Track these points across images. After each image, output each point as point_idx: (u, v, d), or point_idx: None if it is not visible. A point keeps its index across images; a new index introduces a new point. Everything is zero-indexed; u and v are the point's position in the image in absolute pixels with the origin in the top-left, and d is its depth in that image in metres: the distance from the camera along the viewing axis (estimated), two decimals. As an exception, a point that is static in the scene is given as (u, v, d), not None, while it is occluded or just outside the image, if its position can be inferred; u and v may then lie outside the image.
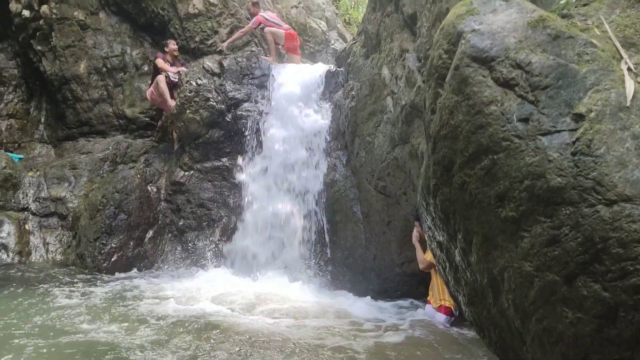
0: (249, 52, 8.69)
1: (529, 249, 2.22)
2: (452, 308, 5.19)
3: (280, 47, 9.33)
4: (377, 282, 6.59)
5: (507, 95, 2.28)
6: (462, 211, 2.58)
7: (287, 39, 9.16)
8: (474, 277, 2.68)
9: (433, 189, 2.76)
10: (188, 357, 3.90)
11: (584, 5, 2.74)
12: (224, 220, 8.22)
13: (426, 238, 3.29)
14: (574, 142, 2.10)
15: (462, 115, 2.40)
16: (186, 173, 8.39)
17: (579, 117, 2.14)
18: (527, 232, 2.23)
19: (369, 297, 6.32)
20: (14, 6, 9.14)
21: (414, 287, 6.25)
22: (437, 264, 3.21)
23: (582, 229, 2.03)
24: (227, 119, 8.17)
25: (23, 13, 9.10)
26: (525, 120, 2.22)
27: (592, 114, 2.12)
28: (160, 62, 8.51)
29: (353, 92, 7.54)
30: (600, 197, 2.00)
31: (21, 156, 9.06)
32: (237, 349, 4.08)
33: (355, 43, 8.48)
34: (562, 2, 2.99)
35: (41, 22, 9.04)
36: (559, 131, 2.15)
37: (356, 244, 6.97)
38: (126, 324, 4.72)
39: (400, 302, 6.14)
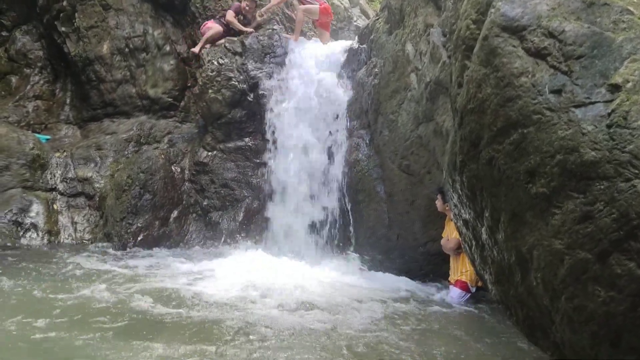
0: (270, 31, 8.59)
1: (560, 226, 2.15)
2: (469, 283, 5.13)
3: (312, 22, 9.29)
4: (400, 261, 6.55)
5: (538, 66, 2.19)
6: (490, 188, 2.51)
7: (322, 13, 9.04)
8: (501, 255, 2.61)
9: (460, 165, 2.69)
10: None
11: (621, -30, 2.61)
12: (247, 200, 8.25)
13: (451, 216, 3.22)
14: (609, 114, 2.01)
15: (491, 87, 2.31)
16: (209, 153, 8.42)
17: (614, 88, 2.04)
18: (558, 209, 2.16)
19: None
20: (37, -12, 9.20)
21: (438, 266, 6.18)
22: (462, 242, 3.15)
23: (617, 205, 1.95)
24: (249, 99, 8.14)
25: (46, -6, 9.16)
26: (557, 91, 2.13)
27: (629, 85, 2.01)
28: (230, 15, 8.47)
29: (376, 70, 7.42)
30: (637, 171, 1.91)
31: (48, 137, 9.19)
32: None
33: (378, 19, 8.31)
34: (597, -32, 2.85)
35: (64, 3, 9.08)
36: (593, 103, 2.06)
37: (379, 223, 6.92)
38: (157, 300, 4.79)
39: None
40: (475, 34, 2.46)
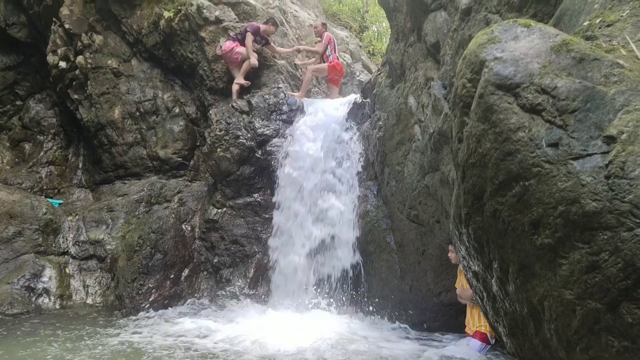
0: (275, 89, 8.86)
1: (568, 276, 2.16)
2: (488, 335, 5.03)
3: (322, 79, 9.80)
4: (414, 313, 6.47)
5: (534, 121, 2.26)
6: (496, 239, 2.53)
7: (331, 70, 9.48)
8: (513, 307, 2.61)
9: (465, 218, 2.73)
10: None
11: (608, 25, 2.72)
12: (257, 255, 8.26)
13: (461, 268, 3.23)
14: (606, 165, 2.06)
15: (490, 142, 2.38)
16: (219, 210, 8.50)
17: (610, 140, 2.10)
18: (565, 259, 2.18)
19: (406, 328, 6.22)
20: (51, 58, 9.59)
21: (453, 317, 6.09)
22: (474, 294, 3.14)
23: (622, 254, 1.97)
24: (257, 155, 8.29)
25: (60, 64, 9.54)
26: (554, 145, 2.19)
27: (624, 136, 2.07)
28: (248, 41, 8.75)
29: (380, 122, 7.58)
30: (638, 220, 1.95)
31: (61, 201, 9.35)
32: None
33: (380, 74, 8.56)
34: (585, 24, 2.97)
35: (77, 72, 9.45)
36: (590, 154, 2.12)
37: (391, 274, 6.88)
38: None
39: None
40: (472, 92, 2.56)
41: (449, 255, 5.48)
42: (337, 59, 9.82)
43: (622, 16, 2.73)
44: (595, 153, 2.10)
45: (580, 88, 2.24)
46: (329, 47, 9.81)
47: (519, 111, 2.30)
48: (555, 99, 2.24)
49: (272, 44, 9.39)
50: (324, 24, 10.08)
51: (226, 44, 8.83)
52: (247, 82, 8.78)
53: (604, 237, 2.03)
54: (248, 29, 8.88)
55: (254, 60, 8.82)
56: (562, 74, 2.29)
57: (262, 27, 9.10)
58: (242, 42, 8.86)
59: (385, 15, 9.22)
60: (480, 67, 2.48)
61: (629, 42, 2.51)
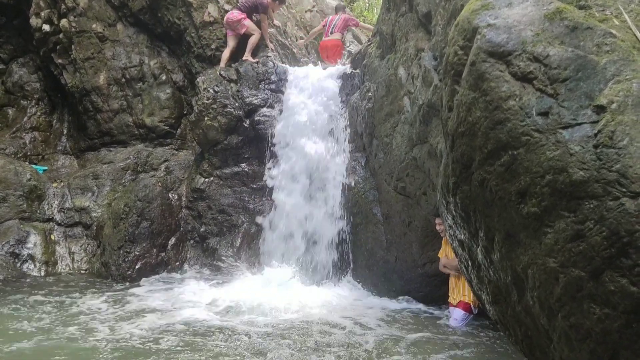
0: (264, 57, 8.72)
1: (553, 244, 2.19)
2: (472, 305, 5.12)
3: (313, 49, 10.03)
4: (399, 283, 6.55)
5: (525, 90, 2.25)
6: (483, 209, 2.55)
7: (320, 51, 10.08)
8: (497, 275, 2.64)
9: (452, 187, 2.74)
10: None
11: (602, -5, 2.70)
12: (245, 225, 8.26)
13: (447, 237, 3.26)
14: (595, 135, 2.07)
15: (480, 111, 2.37)
16: (206, 180, 8.46)
17: (600, 109, 2.10)
18: (550, 228, 2.20)
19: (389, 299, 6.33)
20: (34, 21, 9.33)
21: (437, 287, 6.18)
22: (459, 263, 3.18)
23: (607, 223, 1.99)
24: (245, 125, 8.21)
25: (43, 27, 9.29)
26: (544, 114, 2.19)
27: (614, 105, 2.08)
28: (265, 24, 8.83)
29: (369, 94, 7.52)
30: (624, 189, 1.96)
31: (45, 168, 9.23)
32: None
33: (370, 44, 8.46)
34: (579, -7, 2.94)
35: (61, 35, 9.21)
36: (580, 124, 2.12)
37: (377, 245, 6.94)
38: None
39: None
40: (463, 60, 2.53)
41: (437, 227, 5.51)
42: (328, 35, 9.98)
43: (616, -14, 2.71)
44: (585, 122, 2.11)
45: (572, 57, 2.22)
46: (324, 29, 10.19)
47: (510, 79, 2.29)
48: (547, 67, 2.23)
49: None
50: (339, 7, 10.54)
51: (233, 14, 8.67)
52: (257, 59, 8.62)
53: (589, 206, 2.04)
54: (260, 9, 8.82)
55: (270, 44, 8.92)
56: (554, 42, 2.27)
57: (270, 3, 9.00)
58: (250, 14, 8.76)
59: (377, -16, 9.10)
60: (473, 34, 2.45)
61: (622, 12, 2.50)
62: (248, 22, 8.67)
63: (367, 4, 17.38)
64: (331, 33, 10.09)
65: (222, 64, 8.63)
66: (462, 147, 2.55)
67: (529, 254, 2.33)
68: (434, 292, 6.23)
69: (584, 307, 2.16)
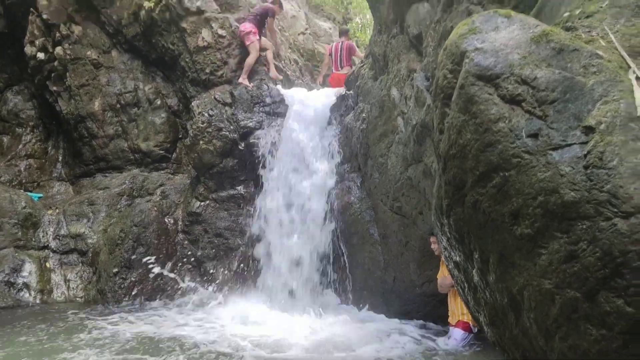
0: (258, 80, 8.79)
1: (547, 266, 2.18)
2: (471, 324, 5.08)
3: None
4: (398, 303, 6.51)
5: (514, 112, 2.27)
6: (477, 230, 2.54)
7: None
8: (494, 296, 2.63)
9: (446, 209, 2.74)
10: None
11: (588, 17, 2.74)
12: (241, 248, 8.22)
13: (443, 258, 3.25)
14: (585, 155, 2.07)
15: (470, 133, 2.38)
16: (202, 203, 8.44)
17: (589, 130, 2.11)
18: (544, 249, 2.19)
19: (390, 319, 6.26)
20: (29, 49, 9.40)
21: (436, 307, 6.14)
22: (455, 285, 3.16)
23: (600, 244, 1.99)
24: (240, 148, 8.23)
25: (38, 55, 9.35)
26: (534, 135, 2.20)
27: (602, 126, 2.09)
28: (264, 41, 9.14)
29: (363, 114, 7.57)
30: (616, 209, 1.96)
31: (40, 195, 9.21)
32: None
33: (363, 66, 8.55)
34: (565, 15, 2.98)
35: (55, 63, 9.28)
36: (569, 145, 2.13)
37: (375, 266, 6.91)
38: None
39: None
40: (453, 83, 2.55)
41: (432, 246, 5.50)
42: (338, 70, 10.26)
43: (601, 7, 2.75)
44: (574, 143, 2.12)
45: (560, 79, 2.24)
46: (331, 58, 10.45)
47: (499, 102, 2.30)
48: (535, 89, 2.25)
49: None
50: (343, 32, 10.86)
51: (245, 26, 8.90)
52: (252, 83, 8.73)
53: (582, 227, 2.04)
54: (270, 14, 9.24)
55: (274, 74, 9.13)
56: (541, 64, 2.30)
57: (271, 8, 9.38)
58: (261, 26, 9.11)
59: (368, 6, 9.25)
60: (461, 58, 2.48)
61: (608, 33, 2.53)
62: (253, 38, 8.82)
63: (360, 25, 17.57)
64: (341, 67, 10.27)
65: (245, 74, 8.76)
66: (454, 169, 2.56)
67: (524, 276, 2.32)
68: (433, 312, 6.18)
69: (580, 328, 2.15)
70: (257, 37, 8.88)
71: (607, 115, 2.13)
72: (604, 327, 2.05)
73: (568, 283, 2.13)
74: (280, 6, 9.68)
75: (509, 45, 2.38)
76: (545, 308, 2.25)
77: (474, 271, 2.74)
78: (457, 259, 2.87)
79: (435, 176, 5.31)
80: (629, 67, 2.35)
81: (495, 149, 2.29)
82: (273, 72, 9.05)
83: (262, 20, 9.15)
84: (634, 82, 2.25)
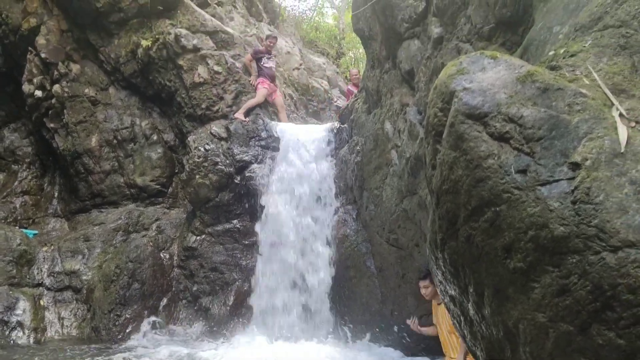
0: (254, 115, 8.91)
1: (541, 299, 2.21)
2: None
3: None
4: (397, 337, 6.47)
5: (503, 149, 2.34)
6: (471, 264, 2.58)
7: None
8: (490, 330, 2.64)
9: (440, 243, 2.78)
10: None
11: (572, 56, 2.84)
12: (237, 282, 8.19)
13: (438, 292, 3.27)
14: (572, 191, 2.13)
15: (462, 170, 2.45)
16: (198, 237, 8.45)
17: (575, 166, 2.17)
18: (536, 283, 2.23)
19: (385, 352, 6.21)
20: (27, 87, 9.53)
21: (436, 339, 6.10)
22: (452, 319, 3.18)
23: (590, 277, 2.03)
24: (236, 181, 8.30)
25: (36, 93, 9.48)
26: (523, 171, 2.26)
27: (588, 162, 2.15)
28: (247, 59, 9.51)
29: (358, 147, 7.68)
30: (604, 244, 2.01)
31: (35, 232, 9.19)
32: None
33: (357, 100, 8.71)
34: (550, 54, 3.09)
35: (53, 100, 9.39)
36: (557, 180, 2.19)
37: (372, 299, 6.90)
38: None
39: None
40: (443, 121, 2.63)
41: (422, 291, 5.35)
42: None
43: (584, 46, 2.86)
44: (562, 179, 2.18)
45: (545, 117, 2.32)
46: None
47: (488, 139, 2.38)
48: (522, 127, 2.32)
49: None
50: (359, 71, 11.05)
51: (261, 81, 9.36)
52: (247, 118, 8.91)
53: (572, 261, 2.08)
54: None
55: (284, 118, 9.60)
56: (527, 103, 2.38)
57: (263, 46, 9.83)
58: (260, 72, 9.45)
59: (361, 42, 9.46)
60: (451, 97, 2.56)
61: (591, 72, 2.63)
62: (261, 87, 9.23)
63: (353, 59, 17.90)
64: None
65: (242, 110, 8.96)
66: (447, 204, 2.61)
67: (518, 309, 2.35)
68: (432, 345, 6.14)
69: (575, 361, 2.17)
70: (265, 86, 9.19)
71: (592, 152, 2.20)
72: (598, 359, 2.08)
73: (561, 316, 2.16)
74: (272, 37, 9.93)
75: (495, 85, 2.47)
76: (541, 341, 2.27)
77: (469, 305, 2.77)
78: (453, 292, 2.90)
79: (429, 208, 5.38)
80: (612, 104, 2.43)
81: (486, 184, 2.35)
82: (284, 117, 9.46)
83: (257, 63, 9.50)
84: (617, 119, 2.33)
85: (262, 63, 9.39)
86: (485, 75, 2.50)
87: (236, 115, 8.82)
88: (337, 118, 10.10)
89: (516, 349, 2.51)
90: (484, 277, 2.51)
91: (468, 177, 2.39)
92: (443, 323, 5.10)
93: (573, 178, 2.14)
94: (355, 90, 10.43)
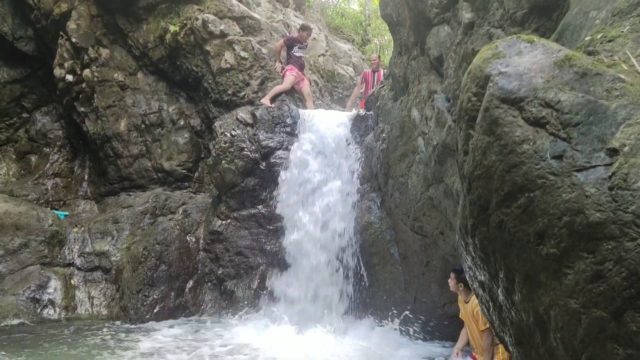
0: (279, 101, 8.94)
1: (574, 285, 2.20)
2: None
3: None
4: (419, 324, 6.49)
5: (538, 134, 2.32)
6: (502, 250, 2.58)
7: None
8: (519, 316, 2.64)
9: (471, 228, 2.78)
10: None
11: (609, 41, 2.79)
12: (261, 267, 8.29)
13: (467, 279, 3.27)
14: (610, 177, 2.11)
15: (495, 155, 2.44)
16: (223, 222, 8.55)
17: (613, 152, 2.15)
18: (570, 269, 2.22)
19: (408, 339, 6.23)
20: (57, 71, 9.71)
21: (457, 328, 6.11)
22: (480, 304, 3.18)
23: (625, 264, 2.01)
24: (262, 167, 8.36)
25: (66, 78, 9.65)
26: (559, 157, 2.24)
27: (626, 148, 2.13)
28: (279, 46, 9.56)
29: (384, 135, 7.65)
30: (641, 230, 1.99)
31: (66, 213, 9.42)
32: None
33: (383, 87, 8.65)
34: (586, 39, 3.04)
35: (83, 85, 9.56)
36: (594, 166, 2.17)
37: (396, 286, 6.92)
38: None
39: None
40: (477, 106, 2.62)
41: (449, 282, 5.28)
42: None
43: (622, 32, 2.80)
44: (599, 165, 2.16)
45: (583, 102, 2.29)
46: (363, 85, 10.58)
47: (523, 124, 2.36)
48: (559, 112, 2.29)
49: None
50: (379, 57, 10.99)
51: (284, 69, 9.41)
52: (273, 104, 8.95)
53: (608, 247, 2.07)
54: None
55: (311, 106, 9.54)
56: (565, 88, 2.35)
57: (297, 35, 9.73)
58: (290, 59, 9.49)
59: (387, 28, 9.38)
60: (485, 82, 2.54)
61: (630, 57, 2.58)
62: (289, 74, 9.30)
63: (378, 46, 17.77)
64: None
65: (268, 96, 9.02)
66: (479, 189, 2.60)
67: (550, 295, 2.35)
68: (454, 333, 6.14)
69: (607, 347, 2.16)
70: (294, 73, 9.23)
71: (630, 138, 2.17)
72: (631, 346, 2.07)
73: (594, 303, 2.15)
74: (304, 29, 9.86)
75: (532, 70, 2.44)
76: (572, 328, 2.27)
77: (499, 290, 2.77)
78: (482, 278, 2.90)
79: (456, 196, 5.35)
80: (652, 90, 2.39)
81: (520, 170, 2.33)
82: (310, 105, 9.42)
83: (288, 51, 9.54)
84: (657, 105, 2.29)
85: (293, 51, 9.40)
86: (522, 59, 2.47)
87: (262, 100, 8.87)
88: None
89: (546, 335, 2.51)
90: (515, 263, 2.51)
91: (502, 162, 2.38)
92: (473, 320, 4.99)
93: (610, 164, 2.12)
94: (370, 75, 10.43)
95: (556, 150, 2.24)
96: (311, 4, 14.27)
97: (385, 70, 10.59)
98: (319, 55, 11.31)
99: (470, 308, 4.97)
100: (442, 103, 5.95)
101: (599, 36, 2.91)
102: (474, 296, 4.74)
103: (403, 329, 6.57)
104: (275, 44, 9.61)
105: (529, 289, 2.47)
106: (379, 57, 10.89)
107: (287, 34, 10.52)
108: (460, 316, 5.34)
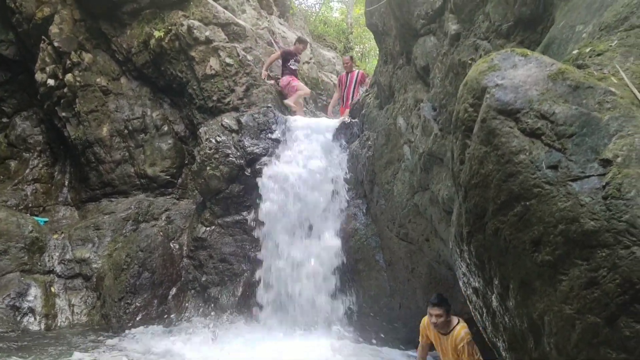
0: (265, 108, 8.95)
1: (568, 291, 2.27)
2: None
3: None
4: (404, 330, 6.55)
5: (534, 144, 2.40)
6: (497, 257, 2.64)
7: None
8: (513, 322, 2.71)
9: (467, 236, 2.84)
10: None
11: (598, 55, 2.89)
12: (246, 274, 8.26)
13: (461, 285, 3.33)
14: (604, 187, 2.19)
15: (492, 164, 2.51)
16: (207, 228, 8.51)
17: (606, 162, 2.24)
18: (565, 276, 2.29)
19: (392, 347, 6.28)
20: (39, 76, 9.57)
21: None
22: (472, 311, 3.24)
23: (619, 271, 2.09)
24: (247, 174, 8.35)
25: (48, 82, 9.52)
26: (554, 167, 2.32)
27: (619, 159, 2.21)
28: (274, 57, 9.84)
29: (369, 142, 7.72)
30: (634, 238, 2.07)
31: (46, 219, 9.26)
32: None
33: (368, 95, 8.74)
34: (574, 52, 3.14)
35: (65, 89, 9.44)
36: (588, 176, 2.25)
37: (381, 292, 6.96)
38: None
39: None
40: (474, 116, 2.69)
41: (432, 319, 4.84)
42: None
43: (611, 46, 2.91)
44: (593, 175, 2.24)
45: (577, 114, 2.38)
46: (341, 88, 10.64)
47: (519, 135, 2.43)
48: (554, 124, 2.38)
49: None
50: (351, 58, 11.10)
51: (283, 79, 9.65)
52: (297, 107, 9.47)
53: (602, 255, 2.15)
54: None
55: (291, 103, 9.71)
56: (559, 100, 2.44)
57: (293, 48, 9.98)
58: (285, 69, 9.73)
59: (369, 36, 9.49)
60: (482, 93, 2.61)
61: (619, 71, 2.68)
62: (297, 83, 9.77)
63: (360, 54, 17.91)
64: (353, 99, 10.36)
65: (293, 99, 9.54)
66: (475, 198, 2.67)
67: (544, 301, 2.41)
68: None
69: (601, 352, 2.23)
70: (297, 81, 9.69)
71: (623, 149, 2.26)
72: (624, 351, 2.14)
73: (589, 308, 2.22)
74: (301, 42, 10.20)
75: (527, 82, 2.53)
76: (566, 333, 2.34)
77: (493, 297, 2.83)
78: (476, 284, 2.96)
79: (441, 203, 5.43)
80: (640, 103, 2.49)
81: (517, 179, 2.41)
82: (292, 101, 9.60)
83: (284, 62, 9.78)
84: (647, 117, 2.39)
85: (288, 64, 9.63)
86: (517, 72, 2.56)
87: (286, 101, 9.40)
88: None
89: (540, 340, 2.58)
90: (510, 270, 2.58)
91: (499, 171, 2.45)
92: (455, 353, 4.77)
93: (604, 174, 2.20)
94: (344, 76, 10.52)
95: (551, 160, 2.32)
96: (295, 11, 14.34)
97: (359, 70, 10.74)
98: (303, 63, 11.35)
99: (451, 340, 4.73)
100: (429, 112, 6.04)
101: (588, 50, 3.01)
102: (457, 328, 4.70)
103: (385, 335, 6.62)
104: (272, 55, 9.85)
105: (524, 295, 2.54)
106: (351, 57, 11.02)
107: (273, 41, 10.57)
108: (437, 350, 5.09)
